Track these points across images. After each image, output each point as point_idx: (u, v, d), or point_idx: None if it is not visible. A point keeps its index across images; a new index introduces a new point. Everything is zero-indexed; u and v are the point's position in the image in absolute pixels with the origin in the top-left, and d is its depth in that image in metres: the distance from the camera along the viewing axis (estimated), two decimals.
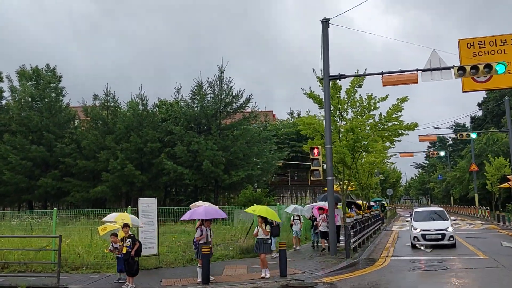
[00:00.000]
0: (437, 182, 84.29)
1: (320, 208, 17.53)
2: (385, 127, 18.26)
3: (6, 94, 38.33)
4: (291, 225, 18.12)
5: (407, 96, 18.52)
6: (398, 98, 18.64)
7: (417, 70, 16.06)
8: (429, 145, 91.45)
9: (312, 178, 16.88)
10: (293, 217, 18.02)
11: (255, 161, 34.08)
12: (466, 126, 78.37)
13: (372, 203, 34.93)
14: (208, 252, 11.52)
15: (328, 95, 16.74)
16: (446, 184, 75.61)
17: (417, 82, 16.09)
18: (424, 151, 77.23)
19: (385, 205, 47.59)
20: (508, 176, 33.35)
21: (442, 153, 51.45)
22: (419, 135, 33.96)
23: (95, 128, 35.23)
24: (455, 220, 20.38)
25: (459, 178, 64.40)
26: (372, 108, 18.59)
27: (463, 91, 19.61)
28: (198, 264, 11.76)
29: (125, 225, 11.40)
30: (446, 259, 14.64)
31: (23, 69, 37.04)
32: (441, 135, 60.99)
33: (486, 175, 42.13)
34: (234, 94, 34.63)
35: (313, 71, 18.31)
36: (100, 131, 34.70)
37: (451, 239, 17.71)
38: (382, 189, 51.09)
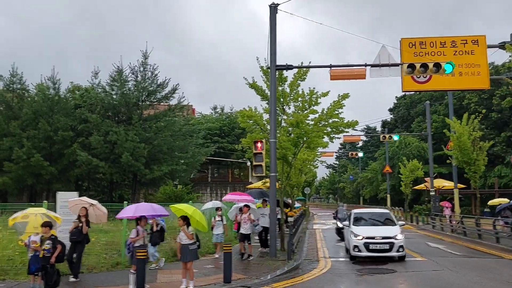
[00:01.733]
0: (347, 182, 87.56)
1: (245, 205, 15.01)
2: (326, 123, 17.59)
3: None
4: (212, 227, 14.89)
5: (348, 93, 17.94)
6: (339, 95, 17.99)
7: (366, 65, 15.63)
8: (340, 146, 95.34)
9: (254, 174, 15.74)
10: (215, 217, 15.10)
11: (180, 155, 32.13)
12: (377, 130, 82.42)
13: (296, 202, 34.74)
14: (145, 257, 9.87)
15: (275, 85, 15.74)
16: (356, 185, 78.76)
17: (365, 78, 15.67)
18: (337, 152, 79.98)
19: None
20: (425, 179, 34.86)
21: (360, 154, 53.13)
22: (343, 135, 34.32)
23: None
24: (404, 224, 17.05)
25: (370, 179, 67.35)
26: (313, 103, 17.83)
27: (403, 91, 19.68)
28: (132, 270, 10.06)
29: (46, 224, 9.40)
30: (386, 261, 14.21)
31: None
32: (360, 136, 62.72)
33: (401, 177, 43.99)
34: (158, 83, 32.39)
35: (257, 60, 17.13)
36: (4, 115, 30.62)
37: (401, 250, 14.20)
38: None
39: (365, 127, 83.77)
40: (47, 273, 9.33)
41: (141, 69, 32.28)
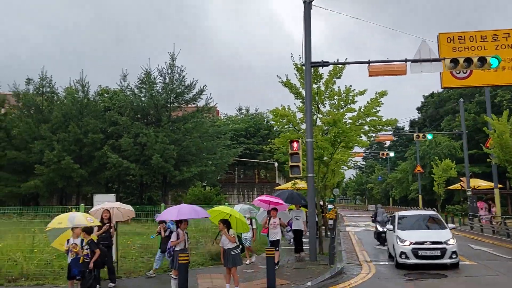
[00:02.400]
0: (375, 183, 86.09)
1: (273, 209, 13.55)
2: (364, 122, 16.98)
3: None
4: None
5: (386, 90, 17.34)
6: (376, 92, 17.41)
7: (406, 60, 14.94)
8: (366, 147, 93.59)
9: (290, 175, 15.21)
10: None
11: (208, 156, 31.88)
12: (405, 129, 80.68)
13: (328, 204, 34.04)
14: (187, 261, 9.49)
15: (310, 83, 15.20)
16: (385, 185, 77.29)
17: (405, 74, 14.98)
18: (365, 152, 78.67)
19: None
20: (461, 178, 33.73)
21: (392, 154, 51.85)
22: (375, 135, 33.44)
23: (28, 115, 31.41)
24: (454, 227, 15.39)
25: (400, 179, 65.91)
26: (349, 101, 17.26)
27: (442, 87, 18.97)
28: (173, 275, 9.70)
29: (86, 229, 9.11)
30: (433, 265, 13.45)
31: None
32: (396, 135, 61.30)
33: (433, 177, 42.77)
34: (186, 85, 32.23)
35: (291, 57, 16.68)
36: (34, 119, 30.99)
37: (454, 256, 12.60)
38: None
39: (394, 127, 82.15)
40: (84, 278, 9.06)
41: (169, 71, 32.21)
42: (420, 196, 49.22)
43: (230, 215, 9.98)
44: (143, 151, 29.61)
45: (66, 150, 29.43)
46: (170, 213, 10.02)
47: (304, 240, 15.57)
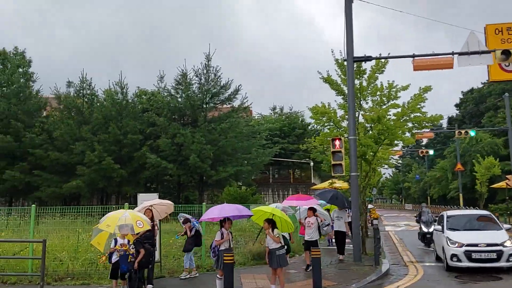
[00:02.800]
0: (413, 181, 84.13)
1: (309, 208, 12.84)
2: (408, 118, 16.44)
3: None
4: None
5: (430, 86, 16.75)
6: (420, 87, 16.86)
7: (453, 53, 14.34)
8: (403, 144, 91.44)
9: (332, 174, 14.85)
10: None
11: (244, 156, 31.82)
12: (443, 126, 78.40)
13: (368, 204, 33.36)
14: (232, 261, 9.34)
15: (352, 78, 14.81)
16: (423, 184, 75.40)
17: (452, 67, 14.39)
18: (402, 150, 76.89)
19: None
20: (507, 176, 32.39)
21: (431, 152, 50.38)
22: (414, 132, 32.51)
23: (69, 117, 32.12)
24: (510, 228, 14.07)
25: (439, 178, 64.11)
26: (392, 97, 16.75)
27: (490, 81, 18.19)
28: (218, 275, 9.58)
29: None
30: (488, 269, 12.81)
31: None
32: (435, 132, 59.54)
33: (476, 175, 41.29)
34: (222, 85, 32.26)
35: (332, 52, 16.32)
36: (75, 120, 31.68)
37: (511, 259, 11.65)
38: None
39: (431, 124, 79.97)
40: (130, 278, 9.04)
41: (204, 71, 32.31)
42: (460, 195, 47.63)
43: (273, 214, 9.77)
44: (180, 151, 29.82)
45: (107, 151, 29.93)
46: (213, 212, 9.90)
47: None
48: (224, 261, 9.24)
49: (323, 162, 29.28)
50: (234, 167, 30.17)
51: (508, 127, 30.11)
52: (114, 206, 12.51)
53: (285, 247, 9.78)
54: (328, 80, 16.42)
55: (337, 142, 14.65)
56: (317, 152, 32.69)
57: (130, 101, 33.54)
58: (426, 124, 16.61)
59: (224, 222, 9.65)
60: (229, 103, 32.87)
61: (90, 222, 13.70)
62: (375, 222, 15.07)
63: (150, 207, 10.48)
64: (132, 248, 9.13)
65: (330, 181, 35.66)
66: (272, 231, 9.38)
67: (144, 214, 10.62)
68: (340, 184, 33.62)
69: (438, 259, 14.15)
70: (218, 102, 32.73)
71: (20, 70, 34.04)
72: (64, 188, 29.79)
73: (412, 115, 16.53)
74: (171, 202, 11.26)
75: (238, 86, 32.58)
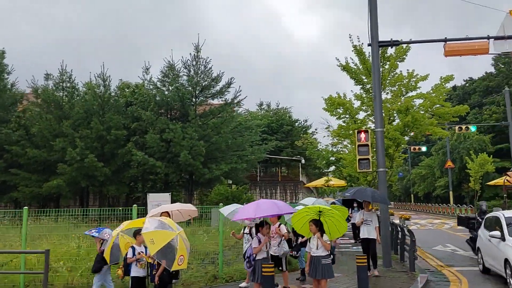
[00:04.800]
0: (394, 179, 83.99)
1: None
2: (430, 110, 15.27)
3: None
4: None
5: (452, 75, 15.61)
6: (441, 77, 15.72)
7: (488, 37, 13.15)
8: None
9: (358, 170, 13.44)
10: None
11: (239, 153, 30.17)
12: None
13: None
14: (273, 273, 7.81)
15: (378, 64, 13.43)
16: (406, 182, 75.27)
17: (488, 52, 13.21)
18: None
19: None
20: (508, 173, 31.70)
21: (424, 149, 49.78)
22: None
23: (48, 112, 29.87)
24: None
25: (424, 175, 63.90)
26: (412, 88, 15.56)
27: None
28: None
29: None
30: None
31: None
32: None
33: (470, 172, 40.79)
34: (213, 77, 30.53)
35: (350, 37, 14.94)
36: (54, 115, 29.44)
37: None
38: None
39: None
40: None
41: (194, 63, 30.55)
42: (450, 193, 47.23)
43: (320, 212, 8.06)
44: (169, 148, 28.01)
45: (89, 148, 27.87)
46: (247, 211, 8.28)
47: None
48: (263, 273, 7.73)
49: (318, 159, 27.91)
50: (228, 164, 28.53)
51: (509, 123, 29.48)
52: (135, 206, 10.68)
53: (331, 256, 8.26)
54: (346, 68, 15.16)
55: (362, 135, 13.23)
56: (313, 148, 31.26)
57: (113, 94, 31.47)
58: (451, 116, 15.43)
59: (261, 226, 8.12)
60: (221, 97, 31.14)
61: (84, 226, 12.05)
62: (407, 222, 13.69)
63: (168, 211, 8.82)
64: (150, 258, 7.54)
65: (325, 178, 34.39)
66: (321, 235, 7.87)
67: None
68: (334, 181, 32.48)
69: (486, 271, 11.83)
70: (209, 95, 30.97)
71: None
72: (44, 188, 27.62)
73: (433, 107, 15.40)
74: (195, 208, 9.59)
75: (230, 78, 30.87)
